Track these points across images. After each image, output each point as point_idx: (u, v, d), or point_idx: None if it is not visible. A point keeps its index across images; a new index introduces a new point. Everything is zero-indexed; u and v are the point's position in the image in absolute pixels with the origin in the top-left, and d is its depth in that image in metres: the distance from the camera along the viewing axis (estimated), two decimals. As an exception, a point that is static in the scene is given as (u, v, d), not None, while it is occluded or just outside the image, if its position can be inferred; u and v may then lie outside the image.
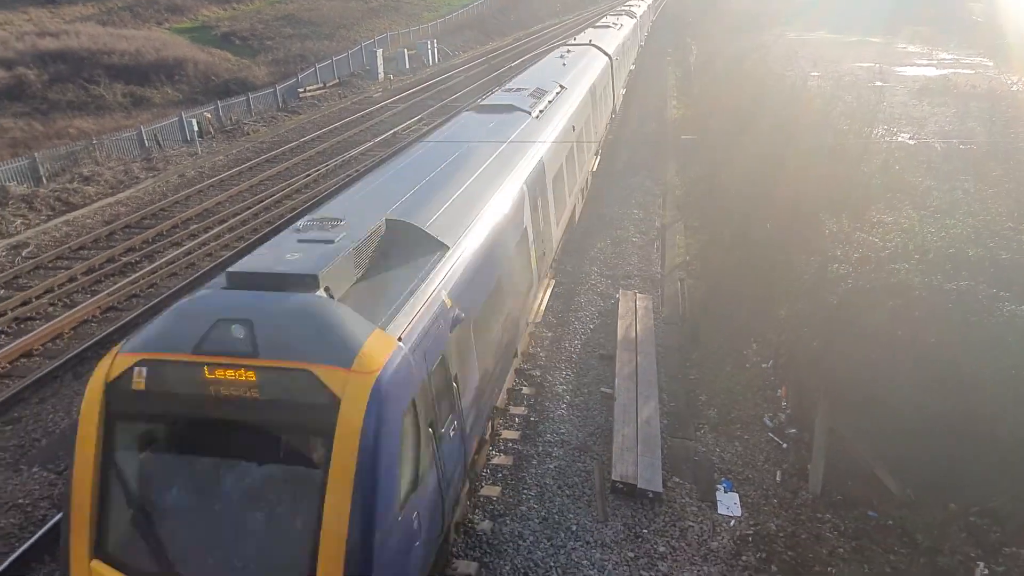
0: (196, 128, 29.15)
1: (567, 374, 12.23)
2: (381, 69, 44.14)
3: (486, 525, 8.82)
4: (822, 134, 15.74)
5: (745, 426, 10.80)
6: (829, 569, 8.14)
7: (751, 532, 8.76)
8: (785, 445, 10.24)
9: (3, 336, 14.10)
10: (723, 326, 13.47)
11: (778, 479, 9.66)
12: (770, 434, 10.51)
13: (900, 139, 17.19)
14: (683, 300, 14.31)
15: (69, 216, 21.02)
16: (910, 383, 8.60)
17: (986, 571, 7.64)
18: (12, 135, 31.09)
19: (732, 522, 8.96)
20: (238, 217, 20.54)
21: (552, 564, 8.30)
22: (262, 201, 21.81)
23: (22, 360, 13.21)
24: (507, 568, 8.24)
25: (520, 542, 8.62)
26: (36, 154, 23.65)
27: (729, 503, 9.27)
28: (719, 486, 9.58)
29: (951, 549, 8.16)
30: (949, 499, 8.66)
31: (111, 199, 22.60)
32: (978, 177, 14.01)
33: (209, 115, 31.14)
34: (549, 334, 13.44)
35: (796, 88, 20.95)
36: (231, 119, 32.44)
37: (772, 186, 15.43)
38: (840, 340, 9.44)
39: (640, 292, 14.81)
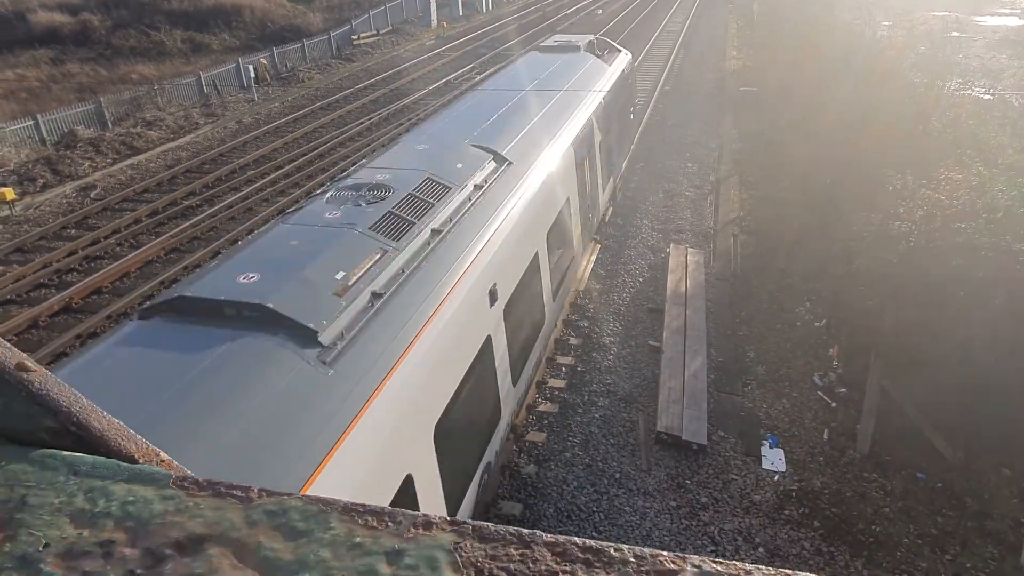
0: (253, 75, 29.46)
1: (615, 326, 12.27)
2: (434, 16, 43.65)
3: (531, 469, 9.07)
4: (891, 87, 15.05)
5: (794, 384, 10.72)
6: (873, 527, 8.15)
7: (795, 488, 8.79)
8: (834, 404, 10.15)
9: (75, 274, 14.81)
10: (776, 283, 13.27)
11: (825, 437, 9.62)
12: (819, 393, 10.42)
13: (974, 93, 16.32)
14: (735, 256, 14.11)
15: (133, 160, 21.69)
16: (971, 345, 8.39)
17: (1037, 537, 7.55)
18: (79, 80, 32.02)
19: (776, 477, 9.00)
20: (293, 164, 20.88)
21: (595, 509, 8.52)
22: (316, 149, 22.08)
23: (93, 297, 13.89)
24: (551, 511, 8.49)
25: (564, 486, 8.85)
26: (101, 99, 24.36)
27: (774, 458, 9.30)
28: (764, 441, 9.60)
29: (1001, 513, 8.07)
30: (1002, 464, 8.52)
31: (172, 144, 23.20)
32: (1058, 134, 13.25)
33: (265, 62, 31.40)
34: (598, 286, 13.45)
35: (865, 39, 19.96)
36: (286, 66, 32.68)
37: (834, 140, 14.90)
38: (898, 299, 9.23)
39: (691, 247, 14.65)
